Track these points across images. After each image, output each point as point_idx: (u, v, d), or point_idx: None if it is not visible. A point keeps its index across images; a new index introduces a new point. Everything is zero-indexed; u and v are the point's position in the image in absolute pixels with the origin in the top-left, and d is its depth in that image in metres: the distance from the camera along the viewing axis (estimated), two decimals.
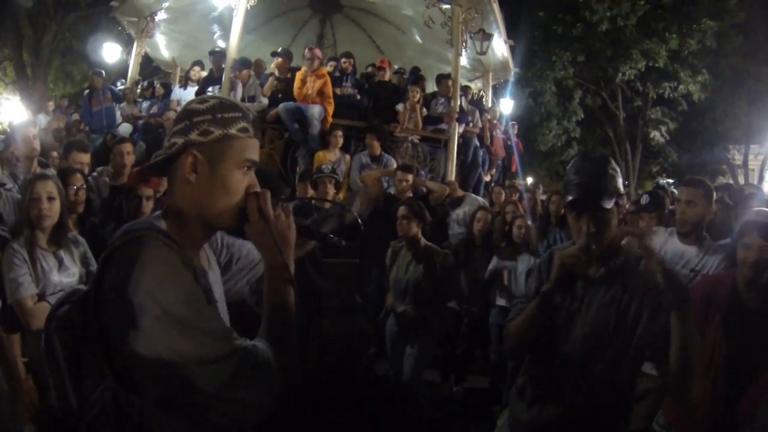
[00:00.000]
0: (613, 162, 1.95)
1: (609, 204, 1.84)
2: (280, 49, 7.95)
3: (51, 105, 11.67)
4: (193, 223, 1.29)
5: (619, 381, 1.89)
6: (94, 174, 4.87)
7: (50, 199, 2.86)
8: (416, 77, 8.76)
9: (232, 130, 1.27)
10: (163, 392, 1.11)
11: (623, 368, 1.88)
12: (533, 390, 2.04)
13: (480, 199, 6.67)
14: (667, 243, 3.19)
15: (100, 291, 1.15)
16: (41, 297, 2.77)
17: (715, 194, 3.22)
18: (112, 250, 1.17)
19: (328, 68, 7.81)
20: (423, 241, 4.21)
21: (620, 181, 1.94)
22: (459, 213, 6.10)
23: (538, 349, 2.00)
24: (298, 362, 1.28)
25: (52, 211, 2.87)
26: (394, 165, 6.59)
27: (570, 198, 1.90)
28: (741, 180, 20.89)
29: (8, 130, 10.69)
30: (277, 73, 7.86)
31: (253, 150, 1.32)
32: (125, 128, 8.33)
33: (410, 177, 5.53)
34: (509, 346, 2.07)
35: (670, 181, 22.75)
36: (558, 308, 1.92)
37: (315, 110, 6.95)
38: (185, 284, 1.15)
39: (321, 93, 7.12)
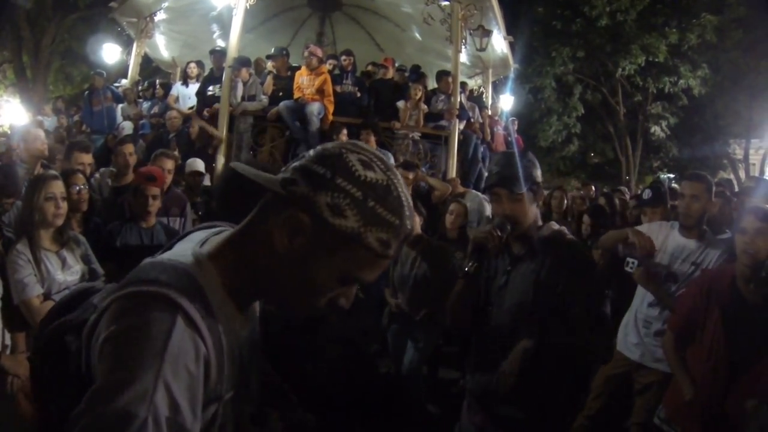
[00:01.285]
0: (530, 155, 2.19)
1: (521, 189, 2.04)
2: (273, 50, 7.97)
3: (48, 108, 11.68)
4: (250, 280, 0.96)
5: (542, 353, 2.02)
6: (96, 175, 4.89)
7: (63, 198, 2.91)
8: (418, 75, 8.77)
9: (371, 237, 0.88)
10: None
11: (545, 341, 2.02)
12: (473, 360, 2.28)
13: (480, 194, 6.66)
14: (668, 236, 3.21)
15: (91, 343, 0.87)
16: (47, 296, 2.80)
17: (714, 188, 3.25)
18: (120, 296, 0.87)
19: (328, 66, 7.81)
20: (425, 237, 4.21)
21: (537, 171, 2.15)
22: None
23: (477, 323, 2.24)
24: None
25: (65, 210, 2.92)
26: (392, 160, 6.59)
27: (488, 184, 2.15)
28: (742, 174, 20.86)
29: (9, 132, 10.78)
30: (274, 71, 7.88)
31: (372, 272, 0.94)
32: (127, 125, 8.35)
33: (411, 175, 5.52)
34: (449, 319, 2.37)
35: (671, 175, 22.72)
36: (490, 284, 2.20)
37: (314, 108, 6.98)
38: (186, 391, 0.82)
39: (321, 91, 7.14)
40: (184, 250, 0.98)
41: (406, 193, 0.93)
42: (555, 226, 2.19)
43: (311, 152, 0.93)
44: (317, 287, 0.93)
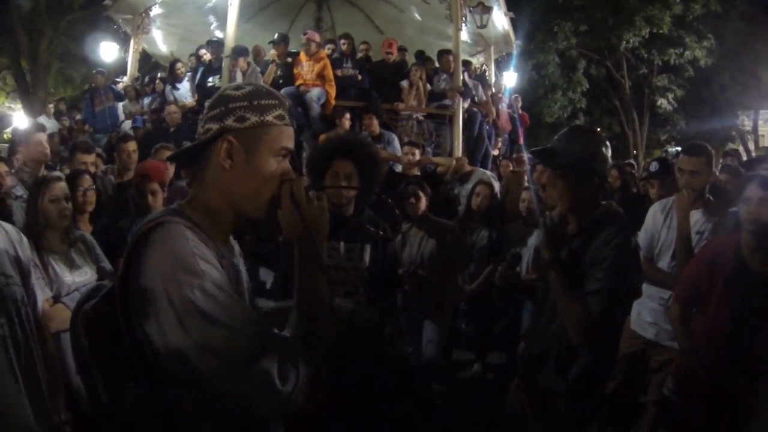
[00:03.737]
0: (597, 133, 2.33)
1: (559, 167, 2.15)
2: (276, 36, 7.89)
3: (51, 108, 11.70)
4: (223, 211, 1.27)
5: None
6: (98, 173, 4.90)
7: (67, 199, 2.91)
8: (422, 60, 8.73)
9: (269, 117, 1.25)
10: (192, 388, 1.10)
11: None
12: (527, 329, 2.45)
13: (488, 173, 6.61)
14: (671, 212, 3.19)
15: (126, 281, 1.13)
16: (56, 299, 2.76)
17: (715, 159, 3.23)
18: (136, 240, 1.14)
19: (327, 51, 7.72)
20: (431, 216, 4.20)
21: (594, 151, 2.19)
22: (468, 188, 6.03)
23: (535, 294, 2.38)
24: (327, 354, 1.26)
25: (69, 210, 2.92)
26: (397, 142, 6.60)
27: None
28: (751, 146, 20.62)
29: (12, 136, 10.79)
30: (276, 59, 7.81)
31: (289, 138, 1.29)
32: (128, 124, 8.34)
33: (417, 151, 5.48)
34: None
35: (679, 149, 22.45)
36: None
37: (314, 93, 6.94)
38: (210, 271, 1.11)
39: (321, 76, 7.08)
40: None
41: (269, 86, 1.38)
42: (614, 205, 2.22)
43: (204, 111, 1.29)
44: (267, 173, 1.25)
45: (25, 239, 1.90)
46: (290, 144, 1.30)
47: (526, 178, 5.63)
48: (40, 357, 1.66)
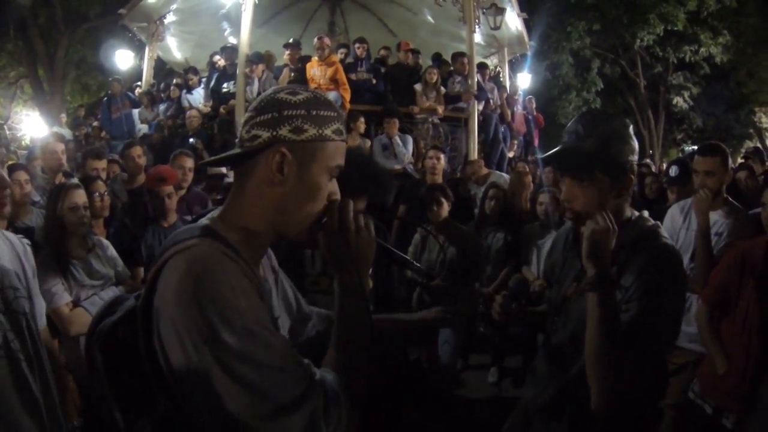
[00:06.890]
0: (621, 123, 1.63)
1: (589, 174, 1.57)
2: (291, 40, 7.93)
3: (64, 117, 11.82)
4: (262, 230, 1.14)
5: None
6: (108, 181, 4.93)
7: (85, 206, 2.98)
8: (439, 63, 8.73)
9: (327, 131, 1.11)
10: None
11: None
12: (536, 370, 1.90)
13: (504, 175, 6.58)
14: (690, 213, 3.13)
15: (149, 307, 1.01)
16: (76, 303, 2.83)
17: (731, 158, 3.20)
18: (163, 262, 1.03)
19: (340, 55, 7.74)
20: (453, 222, 4.18)
21: (625, 146, 1.59)
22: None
23: (546, 331, 1.90)
24: (364, 388, 1.14)
25: (88, 218, 3.00)
26: (411, 143, 6.66)
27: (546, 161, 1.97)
28: None
29: (31, 144, 10.96)
30: (290, 63, 7.84)
31: (342, 155, 1.16)
32: (144, 130, 8.44)
33: (442, 156, 5.47)
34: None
35: (696, 147, 22.20)
36: (559, 289, 1.81)
37: (329, 97, 6.88)
38: (250, 307, 0.98)
39: (335, 80, 7.08)
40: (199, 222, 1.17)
41: (326, 96, 1.21)
42: (648, 221, 1.62)
43: (249, 113, 1.13)
44: (318, 193, 1.12)
45: (29, 249, 1.88)
46: (343, 162, 1.16)
47: (530, 178, 5.60)
48: (49, 367, 1.66)
